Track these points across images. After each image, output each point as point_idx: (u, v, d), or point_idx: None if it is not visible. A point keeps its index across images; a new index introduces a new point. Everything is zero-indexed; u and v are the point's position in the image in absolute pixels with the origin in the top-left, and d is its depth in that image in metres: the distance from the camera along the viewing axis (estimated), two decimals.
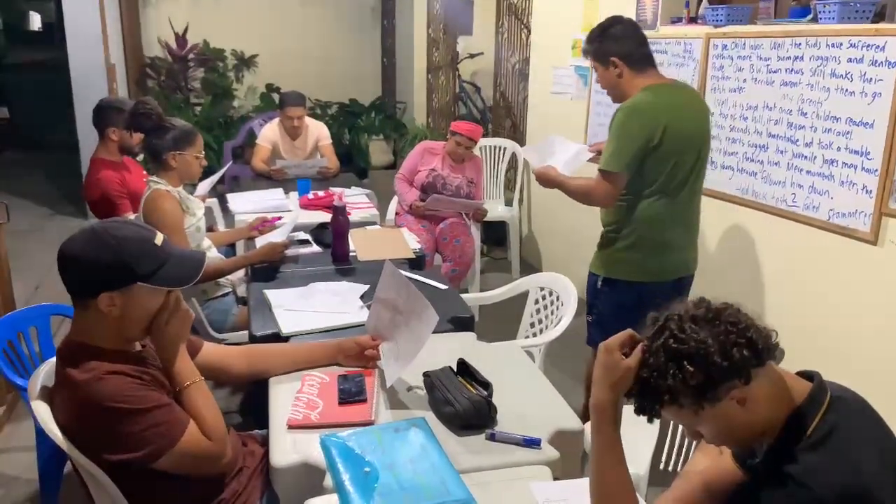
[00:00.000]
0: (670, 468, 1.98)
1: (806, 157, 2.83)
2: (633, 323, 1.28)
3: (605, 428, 1.27)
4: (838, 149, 2.68)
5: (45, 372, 1.63)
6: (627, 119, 2.44)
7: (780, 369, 1.18)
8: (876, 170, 2.53)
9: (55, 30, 8.15)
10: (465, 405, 1.65)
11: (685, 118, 2.49)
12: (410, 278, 2.49)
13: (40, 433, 2.16)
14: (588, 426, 1.82)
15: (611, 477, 1.28)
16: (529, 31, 5.23)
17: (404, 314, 1.81)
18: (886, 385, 2.52)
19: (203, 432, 1.52)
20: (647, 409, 1.18)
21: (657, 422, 1.92)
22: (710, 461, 1.51)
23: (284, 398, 1.76)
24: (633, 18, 3.74)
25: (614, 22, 2.55)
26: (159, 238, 1.54)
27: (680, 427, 1.95)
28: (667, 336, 1.15)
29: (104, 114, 3.32)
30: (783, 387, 1.17)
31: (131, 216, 3.05)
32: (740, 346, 1.11)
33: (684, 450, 1.98)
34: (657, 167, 2.45)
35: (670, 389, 1.12)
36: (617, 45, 2.50)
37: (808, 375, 1.20)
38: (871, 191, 2.56)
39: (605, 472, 1.28)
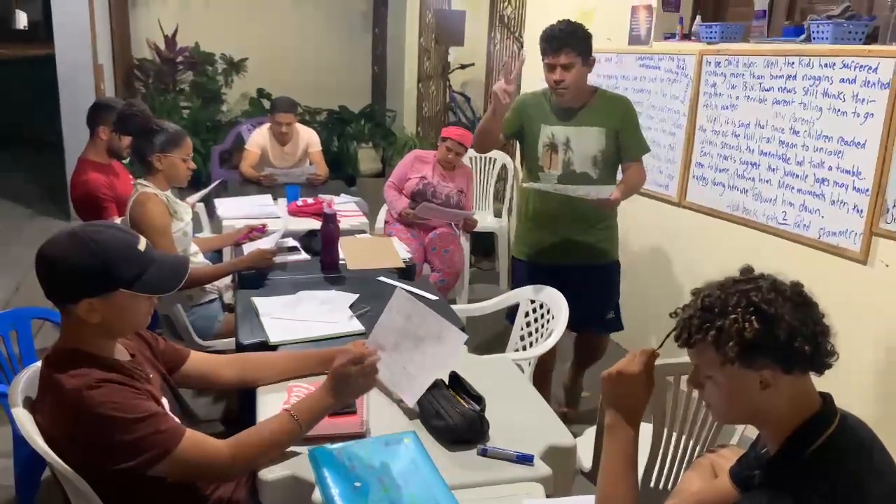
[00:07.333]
0: (661, 486, 1.97)
1: (797, 175, 2.84)
2: None
3: (623, 435, 1.31)
4: (830, 168, 2.69)
5: (27, 378, 1.58)
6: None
7: (810, 384, 1.17)
8: (867, 189, 2.54)
9: (41, 27, 8.05)
10: (456, 419, 1.63)
11: None
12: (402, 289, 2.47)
13: (18, 439, 2.10)
14: (580, 441, 1.81)
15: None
16: (521, 44, 5.23)
17: (413, 339, 1.78)
18: (875, 403, 2.53)
19: (236, 443, 1.49)
20: (685, 331, 1.18)
21: (649, 439, 1.93)
22: (703, 482, 1.50)
23: (272, 409, 1.72)
24: (627, 33, 3.77)
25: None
26: (142, 243, 1.49)
27: (672, 445, 1.94)
28: (752, 287, 1.16)
29: (98, 112, 3.26)
30: (804, 398, 1.16)
31: (117, 220, 3.00)
32: (807, 340, 1.10)
33: (675, 468, 1.96)
34: None
35: (721, 328, 1.12)
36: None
37: (820, 396, 1.19)
38: (861, 210, 2.57)
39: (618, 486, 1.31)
